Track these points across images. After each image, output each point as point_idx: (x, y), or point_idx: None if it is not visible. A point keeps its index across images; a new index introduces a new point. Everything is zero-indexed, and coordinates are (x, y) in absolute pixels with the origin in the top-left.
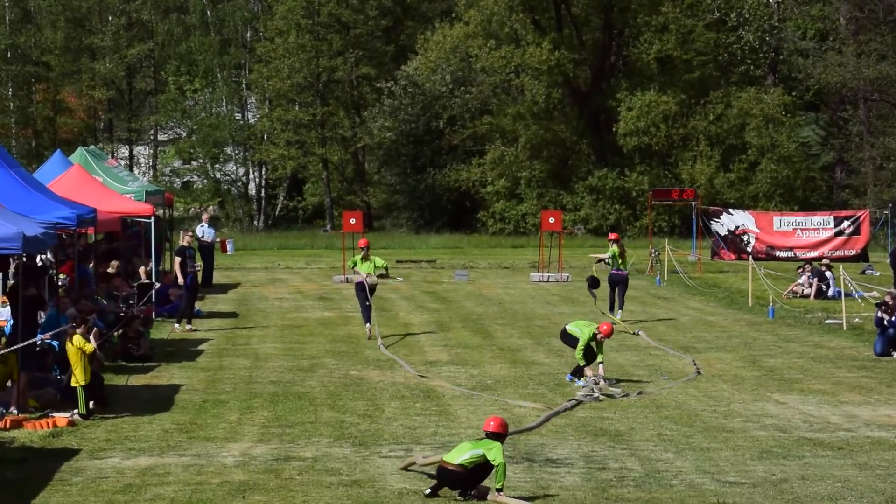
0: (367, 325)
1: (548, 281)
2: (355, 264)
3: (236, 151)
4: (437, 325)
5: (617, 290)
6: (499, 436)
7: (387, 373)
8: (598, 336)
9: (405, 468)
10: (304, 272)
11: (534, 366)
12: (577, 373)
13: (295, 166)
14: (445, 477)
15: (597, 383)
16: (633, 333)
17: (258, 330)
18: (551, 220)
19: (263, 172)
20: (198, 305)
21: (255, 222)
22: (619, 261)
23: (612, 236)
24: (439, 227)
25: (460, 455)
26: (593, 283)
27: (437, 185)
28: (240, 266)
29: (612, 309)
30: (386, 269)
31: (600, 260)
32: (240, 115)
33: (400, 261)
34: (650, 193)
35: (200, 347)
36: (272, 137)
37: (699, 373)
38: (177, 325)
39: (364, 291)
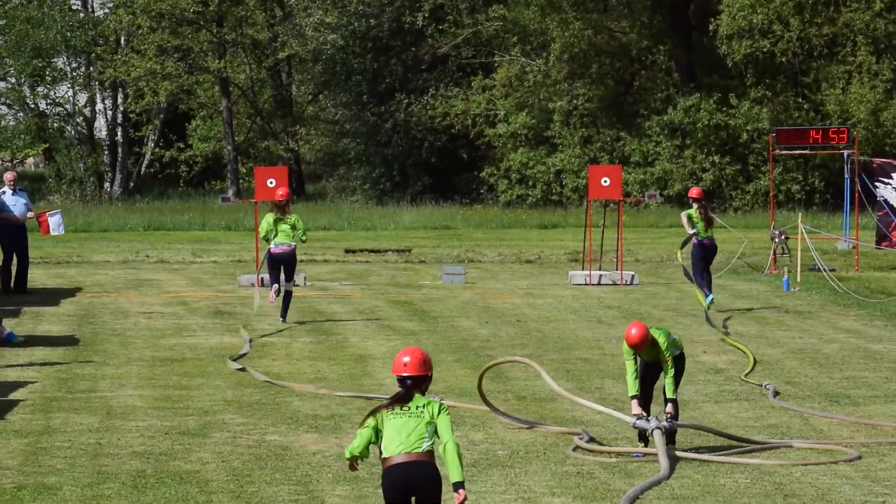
0: (273, 295)
1: (599, 283)
2: (271, 229)
3: (73, 65)
4: None
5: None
6: (424, 379)
7: (329, 438)
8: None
9: None
10: (191, 269)
11: (577, 426)
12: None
13: (174, 91)
14: (416, 475)
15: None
16: (761, 386)
17: (112, 367)
18: (605, 181)
19: (120, 101)
20: (8, 326)
21: (107, 185)
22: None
23: (695, 192)
24: (417, 195)
25: (418, 439)
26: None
27: (414, 123)
28: (80, 259)
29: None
30: (304, 234)
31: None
32: (78, 3)
33: (351, 250)
34: (772, 136)
35: (13, 396)
36: (135, 42)
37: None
38: None
39: (280, 265)
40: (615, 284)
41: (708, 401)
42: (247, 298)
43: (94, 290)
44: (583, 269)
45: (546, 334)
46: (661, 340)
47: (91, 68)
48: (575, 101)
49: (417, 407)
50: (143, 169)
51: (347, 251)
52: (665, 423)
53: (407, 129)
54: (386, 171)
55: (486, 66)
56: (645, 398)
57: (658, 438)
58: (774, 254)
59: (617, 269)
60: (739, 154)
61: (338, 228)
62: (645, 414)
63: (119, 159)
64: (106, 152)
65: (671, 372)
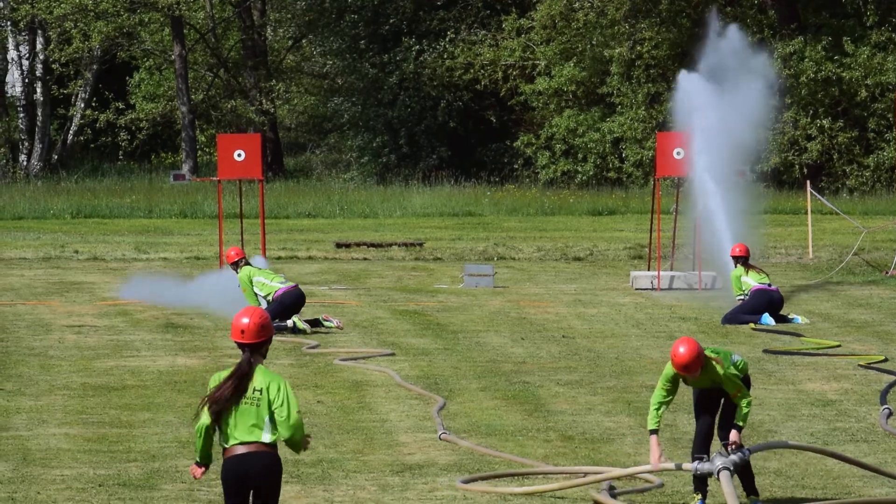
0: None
1: (670, 287)
2: (252, 289)
3: None
4: (426, 384)
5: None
6: (263, 344)
7: (315, 489)
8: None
9: None
10: (134, 269)
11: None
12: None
13: (111, 35)
14: (249, 472)
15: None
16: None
17: (30, 397)
18: (679, 153)
19: (40, 48)
20: None
21: (23, 158)
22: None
23: (739, 250)
24: (431, 171)
25: (257, 428)
26: None
27: (427, 77)
28: None
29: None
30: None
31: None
32: None
33: (344, 244)
34: None
35: None
36: None
37: None
38: None
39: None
40: (691, 289)
41: (814, 442)
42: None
43: (6, 297)
44: (649, 269)
45: (600, 354)
46: (720, 371)
47: (0, 4)
48: (639, 48)
49: (255, 390)
50: (70, 137)
51: (339, 245)
52: (735, 458)
53: (418, 84)
54: (390, 140)
55: (521, 2)
56: (704, 436)
57: (726, 483)
58: None
59: (694, 269)
60: (856, 117)
61: (327, 215)
62: (705, 456)
63: (39, 124)
64: (21, 115)
65: (745, 410)
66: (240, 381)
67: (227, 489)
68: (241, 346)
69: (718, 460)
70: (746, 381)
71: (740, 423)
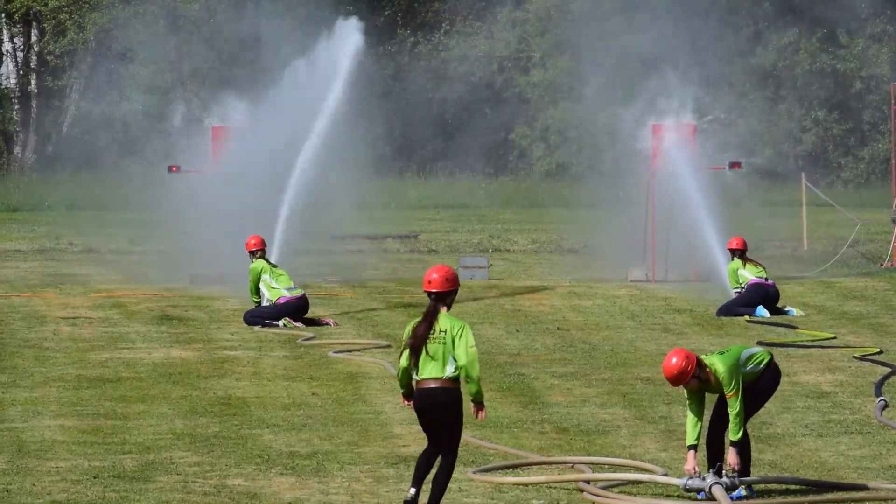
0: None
1: (665, 279)
2: (257, 283)
3: None
4: None
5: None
6: (448, 294)
7: (310, 482)
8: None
9: None
10: (127, 261)
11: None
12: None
13: (105, 26)
14: (434, 403)
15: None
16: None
17: (24, 389)
18: (672, 145)
19: (34, 39)
20: None
21: (18, 150)
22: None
23: (736, 243)
24: (426, 163)
25: (442, 365)
26: None
27: (422, 69)
28: None
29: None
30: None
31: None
32: None
33: (338, 236)
34: (894, 85)
35: None
36: None
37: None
38: None
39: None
40: (686, 282)
41: (809, 434)
42: (202, 299)
43: (1, 289)
44: (644, 265)
45: (595, 346)
46: (721, 370)
47: None
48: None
49: (441, 332)
50: (65, 129)
51: (334, 237)
52: (725, 479)
53: (412, 76)
54: (385, 132)
55: None
56: (717, 441)
57: (719, 495)
58: None
59: (687, 262)
60: (851, 109)
61: (321, 207)
62: (697, 470)
63: (33, 116)
64: (16, 106)
65: (736, 408)
66: (429, 320)
67: (419, 417)
68: (429, 294)
69: (710, 478)
70: (768, 376)
71: (738, 440)
